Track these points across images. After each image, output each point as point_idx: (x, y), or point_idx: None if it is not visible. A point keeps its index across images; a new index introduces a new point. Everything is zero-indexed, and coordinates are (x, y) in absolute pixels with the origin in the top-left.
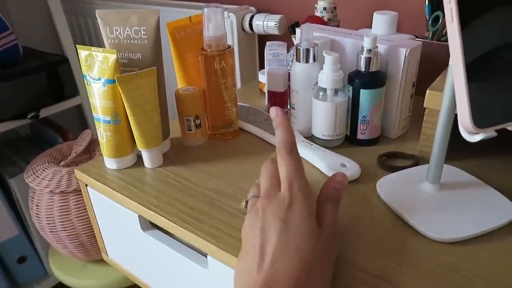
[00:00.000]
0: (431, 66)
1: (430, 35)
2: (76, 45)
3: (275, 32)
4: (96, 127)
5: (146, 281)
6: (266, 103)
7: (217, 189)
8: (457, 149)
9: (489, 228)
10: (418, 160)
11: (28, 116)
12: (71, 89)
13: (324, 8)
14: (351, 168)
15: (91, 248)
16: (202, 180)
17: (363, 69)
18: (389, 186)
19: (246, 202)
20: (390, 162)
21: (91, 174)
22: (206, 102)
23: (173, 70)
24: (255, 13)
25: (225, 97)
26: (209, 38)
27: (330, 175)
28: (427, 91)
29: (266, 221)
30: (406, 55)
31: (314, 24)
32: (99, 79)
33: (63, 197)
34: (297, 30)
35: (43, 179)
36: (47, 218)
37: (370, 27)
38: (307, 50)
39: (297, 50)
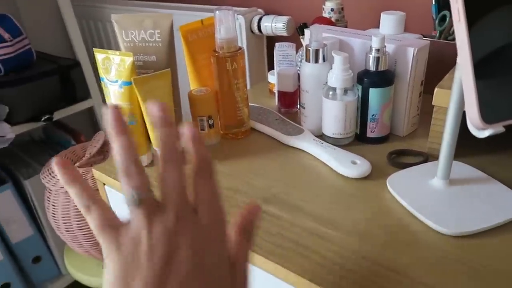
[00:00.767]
0: (438, 65)
1: (438, 34)
2: (94, 48)
3: (283, 33)
4: None
5: None
6: (276, 103)
7: (231, 187)
8: (465, 146)
9: (498, 223)
10: (427, 157)
11: (42, 119)
12: (83, 92)
13: (332, 9)
14: (362, 165)
15: None
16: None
17: (372, 69)
18: (400, 183)
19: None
20: (400, 159)
21: (108, 173)
22: (219, 103)
23: (186, 72)
24: (263, 15)
25: (237, 97)
26: (221, 40)
27: (341, 173)
28: (436, 89)
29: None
30: (414, 54)
31: (322, 25)
32: (116, 81)
33: None
34: (306, 31)
35: (59, 179)
36: (63, 217)
37: (378, 27)
38: (317, 51)
39: (307, 51)
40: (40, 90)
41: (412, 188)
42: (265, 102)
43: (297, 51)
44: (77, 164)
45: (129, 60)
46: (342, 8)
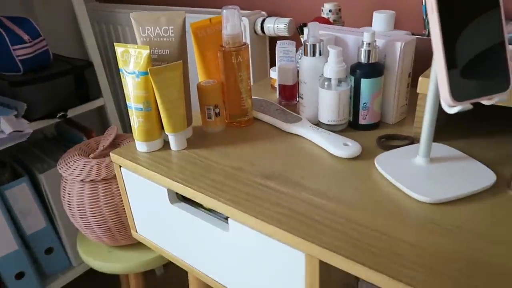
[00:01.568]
0: (426, 61)
1: (427, 33)
2: (114, 43)
3: (285, 33)
4: (130, 115)
5: (170, 251)
6: (277, 96)
7: (235, 166)
8: (449, 131)
9: (470, 192)
10: (413, 140)
11: (57, 116)
12: (95, 91)
13: (330, 10)
14: (353, 147)
15: (117, 233)
16: (222, 159)
17: (363, 61)
18: (386, 161)
19: None
20: (388, 143)
21: (125, 156)
22: (224, 94)
23: (195, 65)
24: (266, 17)
25: (241, 88)
26: (227, 36)
27: (334, 153)
28: (420, 78)
29: None
30: (402, 48)
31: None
32: (134, 72)
33: (92, 185)
34: (305, 30)
35: (74, 169)
36: (78, 205)
37: (371, 25)
38: (314, 45)
39: (305, 46)
40: (56, 89)
41: (397, 166)
42: (267, 96)
43: (297, 50)
44: (91, 155)
45: (145, 52)
46: (340, 9)
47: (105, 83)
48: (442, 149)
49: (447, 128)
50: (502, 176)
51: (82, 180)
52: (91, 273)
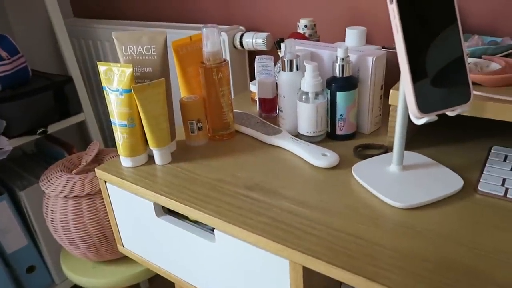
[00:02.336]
0: (399, 73)
1: None
2: (97, 62)
3: (263, 48)
4: (114, 131)
5: (157, 264)
6: (258, 109)
7: (218, 178)
8: (420, 140)
9: (440, 196)
10: (387, 149)
11: (38, 132)
12: (75, 106)
13: (305, 26)
14: (331, 157)
15: (102, 249)
16: (205, 172)
17: (338, 75)
18: (362, 170)
19: None
20: (364, 152)
21: (110, 171)
22: (206, 108)
23: (177, 81)
24: (245, 32)
25: (222, 103)
26: (208, 53)
27: (313, 163)
28: (391, 91)
29: None
30: (373, 62)
31: (296, 39)
32: (117, 89)
33: (76, 201)
34: (282, 45)
35: (57, 185)
36: (61, 221)
37: (345, 40)
38: (291, 61)
39: (283, 61)
40: (36, 105)
41: (373, 174)
42: (248, 109)
43: (275, 64)
44: (74, 171)
45: (128, 71)
46: (315, 25)
47: (86, 98)
48: (414, 157)
49: (418, 137)
50: (469, 180)
51: (65, 196)
52: None
